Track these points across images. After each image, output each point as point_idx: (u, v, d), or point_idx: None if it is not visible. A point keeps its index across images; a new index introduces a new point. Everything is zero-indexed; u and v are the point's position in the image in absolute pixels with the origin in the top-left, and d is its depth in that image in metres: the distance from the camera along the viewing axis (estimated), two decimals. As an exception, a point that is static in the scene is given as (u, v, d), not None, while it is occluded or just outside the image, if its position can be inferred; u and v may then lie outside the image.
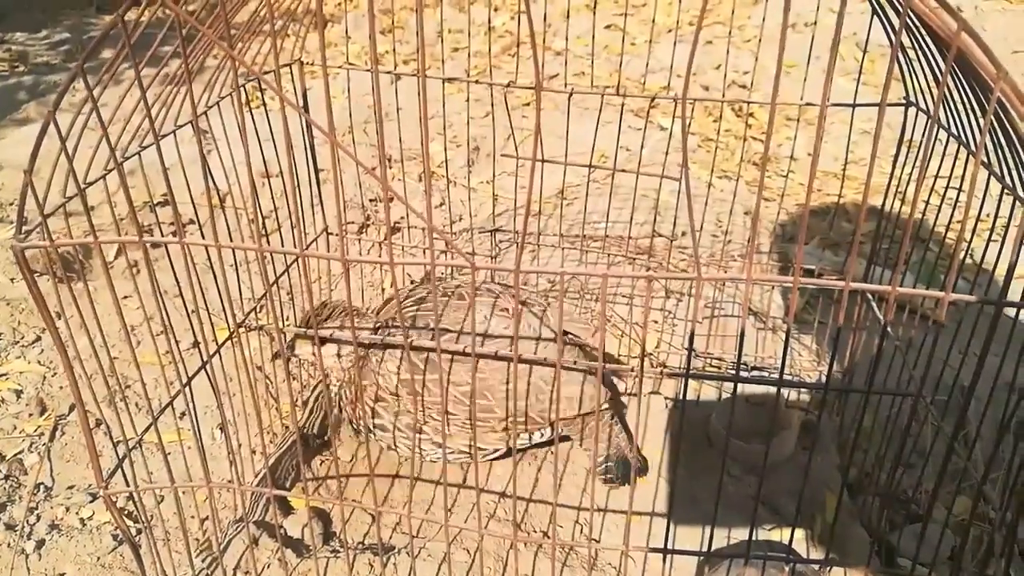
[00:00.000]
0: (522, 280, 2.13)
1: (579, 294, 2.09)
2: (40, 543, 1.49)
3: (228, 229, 1.41)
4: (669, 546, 1.05)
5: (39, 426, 1.75)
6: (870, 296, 1.53)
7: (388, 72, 1.57)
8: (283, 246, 1.91)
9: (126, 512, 1.54)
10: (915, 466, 1.59)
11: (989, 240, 1.26)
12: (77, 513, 1.55)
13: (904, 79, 1.38)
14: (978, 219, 1.32)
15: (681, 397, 1.76)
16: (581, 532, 1.50)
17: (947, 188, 1.35)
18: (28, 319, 2.07)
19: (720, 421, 1.67)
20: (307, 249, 0.93)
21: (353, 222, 2.38)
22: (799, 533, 1.48)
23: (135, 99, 0.94)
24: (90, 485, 1.61)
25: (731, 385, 1.79)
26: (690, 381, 1.84)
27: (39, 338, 2.01)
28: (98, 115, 0.84)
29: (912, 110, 1.40)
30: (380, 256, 1.69)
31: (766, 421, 1.51)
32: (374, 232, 2.42)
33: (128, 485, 1.11)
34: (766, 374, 1.81)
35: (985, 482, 1.06)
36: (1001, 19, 3.90)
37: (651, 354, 1.93)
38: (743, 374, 1.83)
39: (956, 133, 1.21)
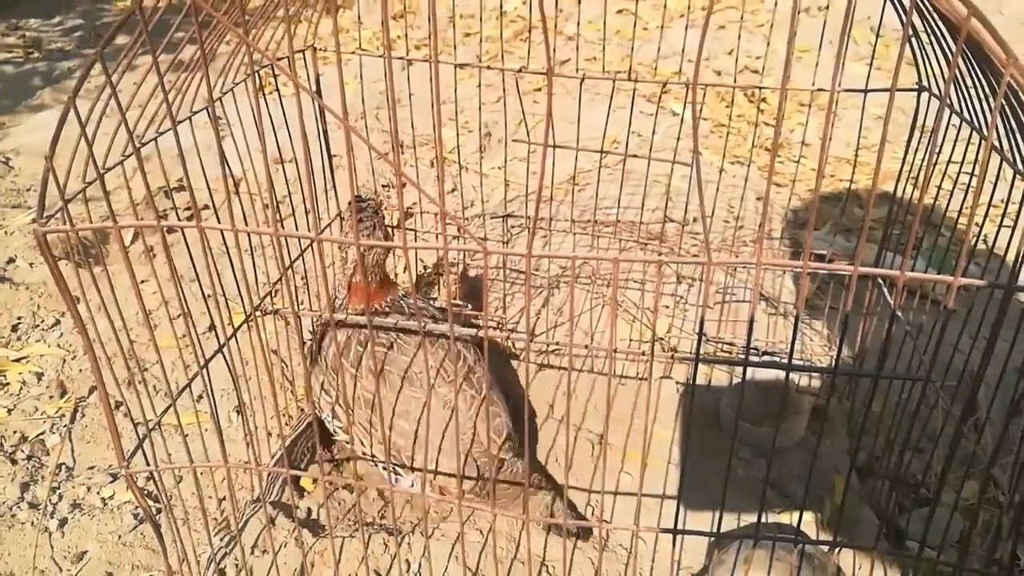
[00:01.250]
0: (533, 266, 2.15)
1: (590, 279, 2.10)
2: (63, 521, 1.52)
3: (244, 214, 1.43)
4: (679, 527, 1.07)
5: (60, 408, 1.78)
6: (881, 281, 1.53)
7: (400, 57, 1.58)
8: (297, 231, 1.92)
9: (146, 492, 1.57)
10: (925, 451, 1.60)
11: (1001, 225, 1.26)
12: (98, 493, 1.58)
13: (917, 64, 1.38)
14: (990, 204, 1.32)
15: (691, 382, 1.77)
16: (592, 513, 1.52)
17: (959, 173, 1.35)
18: (47, 303, 2.10)
19: (730, 405, 1.69)
20: (321, 234, 0.94)
21: (366, 207, 2.40)
22: (808, 516, 1.49)
23: (150, 86, 0.95)
24: (110, 466, 1.64)
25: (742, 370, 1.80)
26: (701, 366, 1.85)
27: (58, 322, 2.04)
28: (116, 100, 0.85)
29: (925, 95, 1.40)
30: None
31: (776, 405, 1.52)
32: (387, 217, 2.43)
33: (148, 464, 1.13)
34: (777, 359, 1.82)
35: (994, 465, 1.07)
36: (1020, 1, 3.85)
37: (662, 339, 1.94)
38: (754, 359, 1.83)
39: (968, 118, 1.20)
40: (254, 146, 1.18)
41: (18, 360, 1.92)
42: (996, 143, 1.02)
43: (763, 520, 1.14)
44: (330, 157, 1.68)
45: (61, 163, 0.88)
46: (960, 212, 1.40)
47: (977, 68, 1.03)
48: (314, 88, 1.60)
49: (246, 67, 1.34)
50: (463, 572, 1.29)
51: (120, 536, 1.49)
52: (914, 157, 1.40)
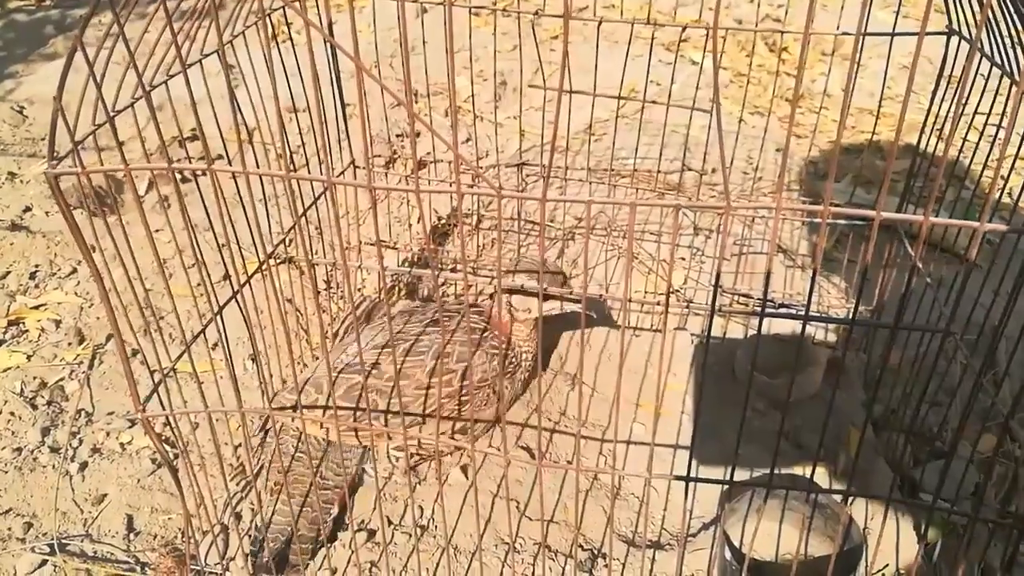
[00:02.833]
0: (548, 216, 2.13)
1: (606, 230, 2.08)
2: (83, 465, 1.54)
3: (257, 163, 1.42)
4: (692, 475, 1.07)
5: (78, 355, 1.80)
6: (902, 233, 1.51)
7: (415, 1, 1.55)
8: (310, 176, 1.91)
9: (163, 438, 1.59)
10: (941, 404, 1.59)
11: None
12: (117, 438, 1.60)
13: (948, 8, 1.33)
14: (1016, 156, 1.29)
15: (706, 333, 1.76)
16: (605, 462, 1.53)
17: (986, 124, 1.31)
18: (64, 251, 2.11)
19: (746, 357, 1.68)
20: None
21: (380, 155, 2.38)
22: (822, 468, 1.50)
23: (158, 31, 0.93)
24: (128, 412, 1.66)
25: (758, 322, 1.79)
26: (716, 318, 1.83)
27: (75, 270, 2.06)
28: (124, 41, 0.84)
29: (955, 41, 1.35)
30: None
31: (792, 357, 1.51)
32: (401, 167, 2.41)
33: (164, 409, 1.14)
34: (793, 311, 1.81)
35: (1012, 418, 1.06)
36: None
37: (677, 291, 1.93)
38: (770, 310, 1.82)
39: (1000, 62, 1.17)
40: (267, 94, 1.16)
41: (36, 308, 1.93)
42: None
43: (776, 471, 1.14)
44: (343, 106, 1.66)
45: (74, 111, 0.87)
46: (985, 165, 1.37)
47: (1012, 9, 1.00)
48: (326, 32, 1.57)
49: (256, 14, 1.32)
50: (475, 518, 1.30)
51: (139, 480, 1.52)
52: (940, 107, 1.36)
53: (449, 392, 1.37)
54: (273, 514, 1.38)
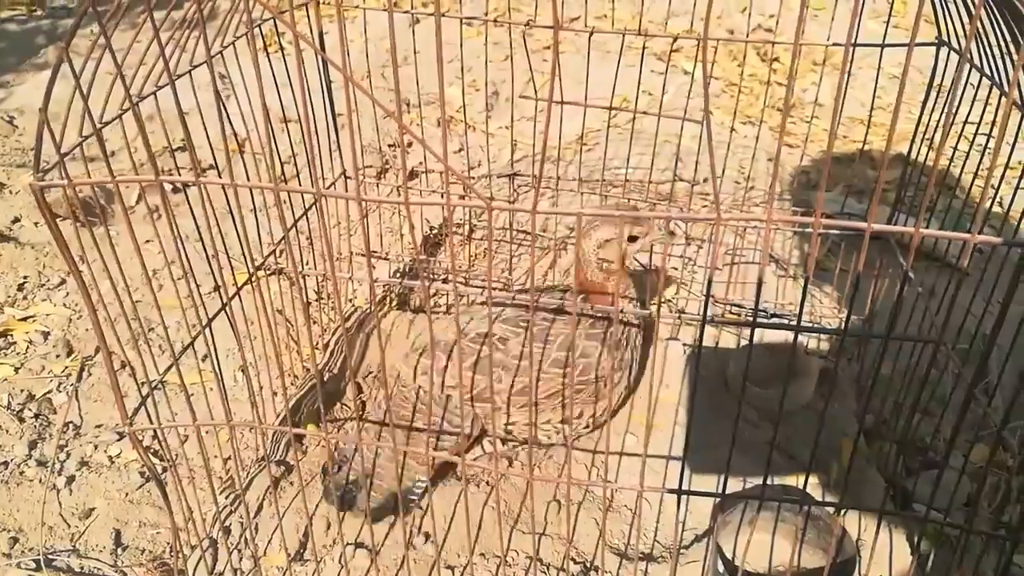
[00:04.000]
0: (539, 226, 2.12)
1: (598, 241, 2.08)
2: (71, 479, 1.53)
3: (247, 175, 1.41)
4: (684, 488, 1.06)
5: (66, 367, 1.79)
6: (893, 243, 1.51)
7: (406, 12, 1.55)
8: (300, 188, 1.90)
9: (152, 451, 1.57)
10: (933, 414, 1.58)
11: (1018, 187, 1.23)
12: (105, 451, 1.59)
13: (937, 18, 1.34)
14: (1007, 166, 1.29)
15: (698, 343, 1.76)
16: (597, 475, 1.52)
17: (976, 133, 1.32)
18: (52, 263, 2.10)
19: (738, 367, 1.67)
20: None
21: (371, 166, 2.37)
22: (815, 479, 1.49)
23: (147, 42, 0.93)
24: (117, 424, 1.65)
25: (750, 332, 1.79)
26: (708, 327, 1.83)
27: (63, 281, 2.04)
28: (111, 52, 0.83)
29: (944, 51, 1.36)
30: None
31: (784, 367, 1.50)
32: (392, 177, 2.41)
33: (152, 423, 1.13)
34: (785, 320, 1.80)
35: (1004, 429, 1.06)
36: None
37: (669, 300, 1.93)
38: (762, 320, 1.82)
39: (989, 73, 1.17)
40: (258, 106, 1.16)
41: (24, 319, 1.92)
42: (1017, 98, 0.99)
43: (769, 482, 1.14)
44: (334, 116, 1.65)
45: (63, 122, 0.87)
46: (976, 174, 1.37)
47: (1001, 20, 1.00)
48: (317, 43, 1.57)
49: (246, 24, 1.31)
50: (467, 531, 1.29)
51: (127, 494, 1.50)
52: (930, 117, 1.37)
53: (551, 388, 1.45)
54: (375, 465, 1.45)
